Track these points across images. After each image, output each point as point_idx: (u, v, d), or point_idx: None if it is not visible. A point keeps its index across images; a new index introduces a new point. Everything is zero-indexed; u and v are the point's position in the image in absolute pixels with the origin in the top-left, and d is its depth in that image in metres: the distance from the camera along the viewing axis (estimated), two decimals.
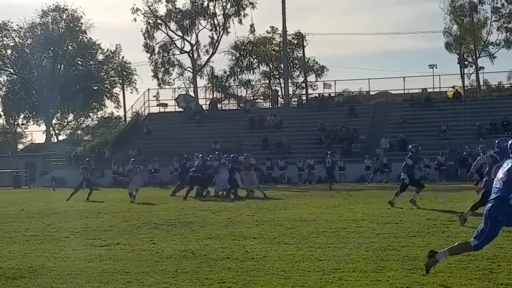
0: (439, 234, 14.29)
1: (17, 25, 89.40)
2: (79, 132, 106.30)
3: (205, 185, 31.31)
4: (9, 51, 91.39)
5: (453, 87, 59.59)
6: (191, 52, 78.06)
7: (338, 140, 52.03)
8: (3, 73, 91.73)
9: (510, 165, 8.92)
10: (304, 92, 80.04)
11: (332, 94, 63.26)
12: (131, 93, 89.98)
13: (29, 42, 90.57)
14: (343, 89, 70.91)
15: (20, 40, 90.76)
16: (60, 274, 10.53)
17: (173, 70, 79.89)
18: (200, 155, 32.74)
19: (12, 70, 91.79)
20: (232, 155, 32.54)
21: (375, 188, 36.56)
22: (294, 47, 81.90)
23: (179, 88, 76.02)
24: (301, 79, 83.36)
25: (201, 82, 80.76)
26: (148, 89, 68.74)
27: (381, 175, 45.77)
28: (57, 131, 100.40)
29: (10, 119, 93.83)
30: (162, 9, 77.06)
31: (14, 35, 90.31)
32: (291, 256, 11.62)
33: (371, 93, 64.97)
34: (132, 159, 37.62)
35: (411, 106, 56.48)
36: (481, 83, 72.11)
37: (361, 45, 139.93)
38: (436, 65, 72.40)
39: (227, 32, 77.97)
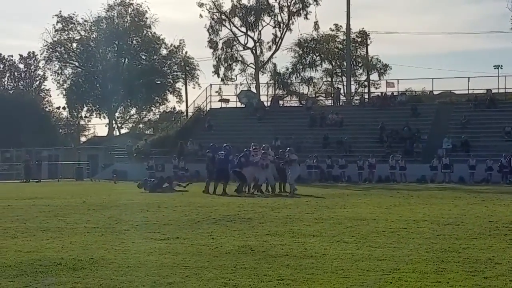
0: (501, 236, 14.06)
1: (83, 18, 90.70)
2: (141, 126, 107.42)
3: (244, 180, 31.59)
4: (74, 45, 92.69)
5: None
6: (254, 48, 78.20)
7: (399, 140, 51.55)
8: (68, 66, 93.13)
9: None
10: (366, 90, 79.56)
11: (395, 93, 62.69)
12: (194, 88, 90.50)
13: (94, 36, 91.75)
14: (406, 88, 70.35)
15: (86, 34, 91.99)
16: (120, 266, 10.64)
17: (235, 66, 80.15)
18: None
19: (77, 63, 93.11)
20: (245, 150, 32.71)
21: (436, 188, 36.13)
22: (357, 45, 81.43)
23: (241, 84, 76.19)
24: (363, 78, 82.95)
25: (263, 78, 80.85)
26: (211, 85, 68.98)
27: (443, 175, 45.28)
28: (119, 125, 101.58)
29: (74, 111, 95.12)
30: (227, 5, 77.44)
31: (79, 28, 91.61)
32: (350, 255, 11.55)
33: (435, 92, 64.12)
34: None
35: (475, 106, 55.65)
36: None
37: (425, 44, 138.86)
38: (501, 66, 71.58)
39: (290, 30, 77.96)
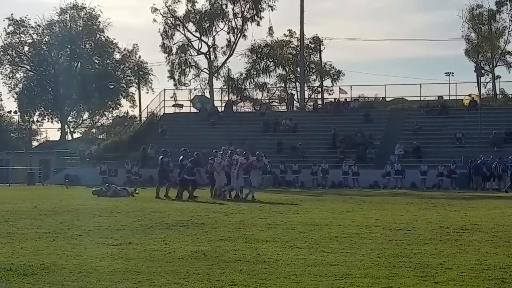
0: (452, 242, 14.23)
1: (35, 22, 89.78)
2: (94, 130, 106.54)
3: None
4: (26, 48, 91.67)
5: (469, 95, 59.34)
6: (208, 53, 78.11)
7: (352, 146, 51.91)
8: (19, 69, 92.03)
9: None
10: (319, 96, 79.92)
11: (348, 99, 63.16)
12: (147, 93, 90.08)
13: (46, 39, 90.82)
14: (359, 94, 70.81)
15: (38, 37, 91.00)
16: (72, 272, 10.55)
17: (189, 71, 79.97)
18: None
19: (28, 67, 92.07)
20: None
21: (388, 194, 36.45)
22: (311, 51, 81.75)
23: (195, 89, 76.07)
24: (317, 83, 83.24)
25: (217, 84, 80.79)
26: (164, 90, 68.81)
27: (395, 181, 45.73)
28: (72, 129, 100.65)
29: (25, 115, 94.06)
30: (181, 10, 77.24)
31: (31, 32, 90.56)
32: (303, 260, 11.60)
33: (387, 99, 64.82)
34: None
35: (426, 113, 56.28)
36: (498, 92, 71.94)
37: (378, 51, 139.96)
38: (452, 73, 72.27)
39: (244, 36, 78.01)
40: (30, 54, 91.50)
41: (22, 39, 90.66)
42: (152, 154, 52.79)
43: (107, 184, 38.33)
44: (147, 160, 52.41)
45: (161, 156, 34.67)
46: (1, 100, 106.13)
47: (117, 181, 48.74)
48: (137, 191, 34.32)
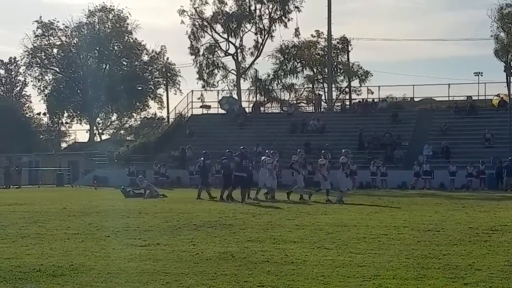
0: (481, 243, 14.11)
1: (64, 24, 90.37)
2: (122, 132, 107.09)
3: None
4: (55, 50, 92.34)
5: (498, 95, 58.92)
6: (235, 54, 78.17)
7: (380, 146, 51.71)
8: (48, 71, 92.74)
9: None
10: (347, 97, 79.76)
11: (376, 100, 62.97)
12: (175, 94, 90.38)
13: (75, 42, 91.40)
14: (387, 95, 70.61)
15: (67, 40, 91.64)
16: (100, 273, 10.59)
17: (217, 72, 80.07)
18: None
19: (57, 69, 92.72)
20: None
21: (417, 195, 36.26)
22: (338, 51, 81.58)
23: (222, 91, 76.08)
24: (345, 84, 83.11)
25: (245, 85, 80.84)
26: (192, 91, 68.98)
27: (423, 182, 45.49)
28: (100, 131, 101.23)
29: (54, 117, 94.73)
30: (208, 11, 77.36)
31: (60, 34, 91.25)
32: (331, 261, 11.55)
33: (415, 99, 64.47)
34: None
35: (455, 113, 55.95)
36: None
37: (407, 51, 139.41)
38: (481, 73, 71.98)
39: (272, 36, 77.97)
40: (59, 56, 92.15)
41: (51, 41, 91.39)
42: (190, 155, 52.84)
43: (140, 176, 38.63)
44: (186, 161, 52.37)
45: (202, 158, 34.40)
46: (31, 102, 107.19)
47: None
48: (163, 196, 34.14)
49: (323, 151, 32.88)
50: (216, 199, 30.39)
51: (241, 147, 31.49)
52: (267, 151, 33.88)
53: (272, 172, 30.84)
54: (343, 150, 31.03)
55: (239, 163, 30.30)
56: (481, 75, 71.12)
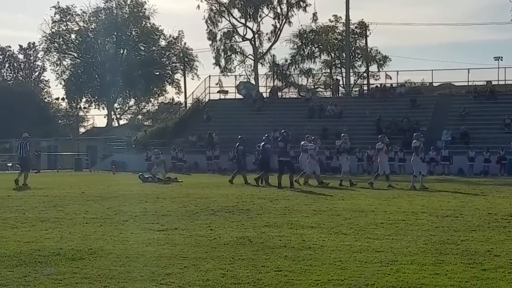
0: (500, 229, 14.05)
1: (81, 9, 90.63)
2: (139, 117, 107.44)
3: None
4: (73, 36, 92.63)
5: None
6: (253, 39, 78.10)
7: (398, 131, 51.55)
8: (66, 57, 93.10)
9: None
10: (365, 82, 79.58)
11: (394, 85, 62.74)
12: (192, 79, 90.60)
13: (93, 27, 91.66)
14: (405, 79, 70.40)
15: (84, 25, 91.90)
16: (119, 257, 10.64)
17: (234, 57, 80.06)
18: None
19: (75, 54, 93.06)
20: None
21: (435, 180, 36.15)
22: (356, 36, 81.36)
23: (240, 76, 76.20)
24: (363, 69, 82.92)
25: (262, 70, 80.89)
26: (209, 76, 69.08)
27: (442, 167, 45.34)
28: (118, 116, 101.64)
29: (73, 102, 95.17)
30: None
31: (78, 19, 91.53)
32: (348, 247, 11.55)
33: (434, 84, 64.20)
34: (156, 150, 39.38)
35: (474, 98, 55.68)
36: None
37: (426, 36, 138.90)
38: (501, 57, 71.43)
39: (290, 21, 77.84)
40: (76, 41, 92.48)
41: (69, 26, 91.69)
42: (217, 141, 52.91)
43: (156, 150, 38.71)
44: (213, 146, 52.35)
45: (237, 144, 34.31)
46: (49, 87, 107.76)
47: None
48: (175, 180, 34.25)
49: (380, 136, 32.30)
50: (254, 184, 30.06)
51: (283, 131, 31.19)
52: (307, 136, 33.40)
53: (313, 157, 30.80)
54: (415, 134, 30.38)
55: (284, 148, 30.10)
56: (501, 60, 70.65)
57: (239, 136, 35.05)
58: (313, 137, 32.52)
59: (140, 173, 35.86)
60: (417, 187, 27.25)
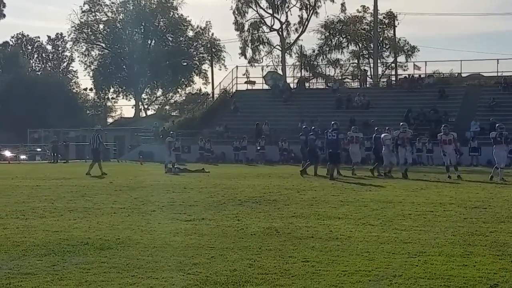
0: None
1: (110, 0, 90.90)
2: (167, 107, 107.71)
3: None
4: (101, 26, 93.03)
5: None
6: (280, 30, 77.99)
7: (426, 122, 51.25)
8: (95, 47, 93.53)
9: None
10: (393, 72, 79.17)
11: (422, 75, 62.40)
12: (220, 70, 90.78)
13: (121, 17, 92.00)
14: (433, 70, 69.95)
15: (112, 15, 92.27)
16: (146, 246, 10.68)
17: (262, 48, 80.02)
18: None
19: (104, 45, 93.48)
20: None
21: (464, 171, 35.92)
22: (385, 26, 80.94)
23: (267, 66, 76.13)
24: (390, 60, 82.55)
25: (290, 60, 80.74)
26: (237, 66, 69.08)
27: (470, 158, 45.04)
28: (146, 106, 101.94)
29: (101, 92, 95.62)
30: None
31: (106, 10, 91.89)
32: (375, 238, 11.51)
33: (463, 75, 63.73)
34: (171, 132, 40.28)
35: (504, 89, 55.21)
36: None
37: (454, 26, 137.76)
38: None
39: (317, 12, 77.65)
40: (105, 32, 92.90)
41: (97, 17, 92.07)
42: (266, 131, 52.85)
43: (172, 132, 38.96)
44: (260, 136, 52.15)
45: (301, 134, 34.19)
46: (78, 77, 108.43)
47: (190, 157, 49.36)
48: (207, 171, 34.24)
49: (443, 126, 31.53)
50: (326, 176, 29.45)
51: (332, 122, 30.83)
52: (387, 128, 33.19)
53: (389, 147, 30.74)
54: (497, 125, 29.64)
55: (336, 140, 29.92)
56: None
57: (313, 127, 34.22)
58: (387, 128, 32.44)
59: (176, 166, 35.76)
60: (497, 180, 26.36)
